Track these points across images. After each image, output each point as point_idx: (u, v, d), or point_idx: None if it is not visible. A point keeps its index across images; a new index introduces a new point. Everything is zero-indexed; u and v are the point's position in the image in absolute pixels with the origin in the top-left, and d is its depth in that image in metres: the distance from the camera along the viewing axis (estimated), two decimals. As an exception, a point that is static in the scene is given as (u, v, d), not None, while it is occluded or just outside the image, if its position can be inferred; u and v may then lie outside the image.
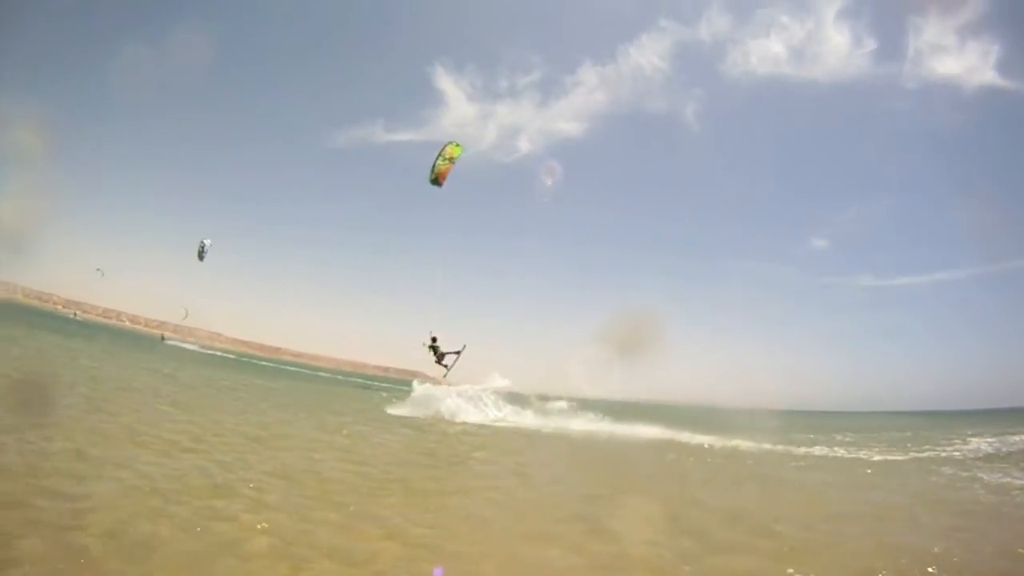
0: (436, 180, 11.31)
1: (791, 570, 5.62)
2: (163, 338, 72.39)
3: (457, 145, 10.85)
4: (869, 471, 14.12)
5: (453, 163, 10.89)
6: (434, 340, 16.06)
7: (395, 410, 20.21)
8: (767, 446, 17.63)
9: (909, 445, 20.45)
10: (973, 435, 23.47)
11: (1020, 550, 6.97)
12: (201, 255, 20.12)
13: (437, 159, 11.11)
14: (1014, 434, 22.48)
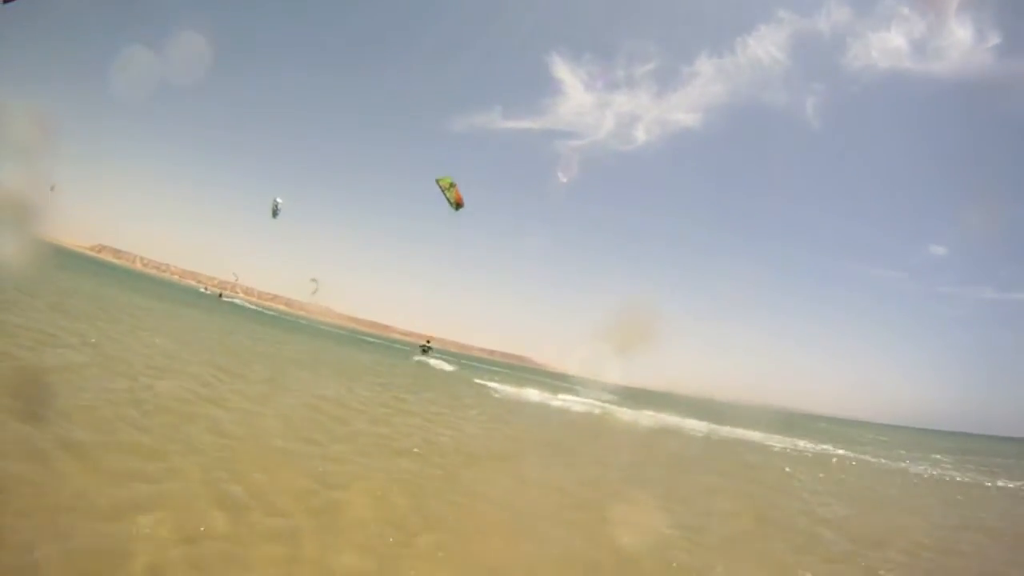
0: (458, 206, 13.65)
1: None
2: (220, 295, 79.09)
3: (446, 177, 13.26)
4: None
5: (455, 187, 13.18)
6: (428, 342, 20.64)
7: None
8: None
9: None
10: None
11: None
12: (275, 213, 20.68)
13: (445, 193, 13.48)
14: None
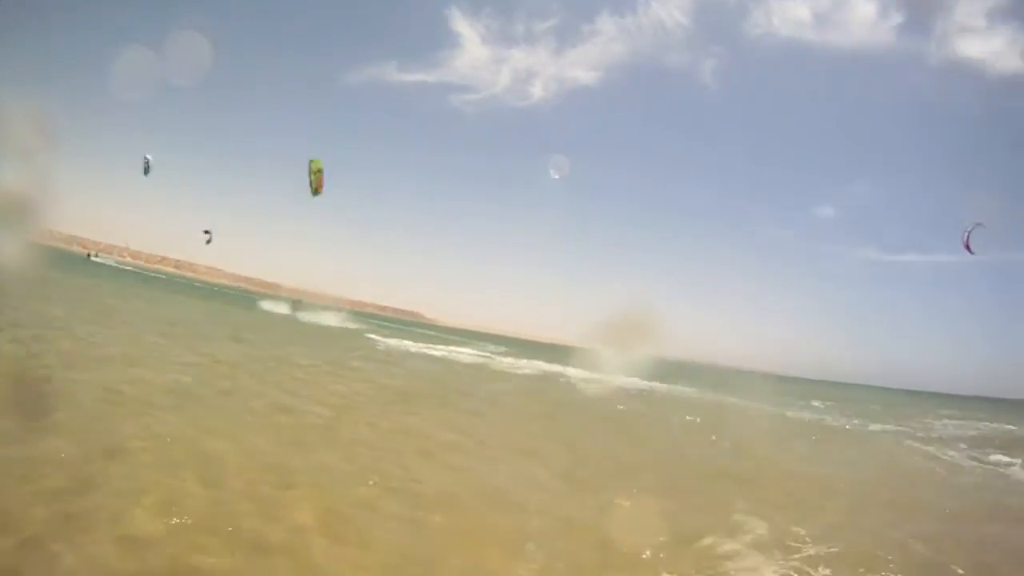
0: (316, 191, 13.76)
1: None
2: (89, 256, 72.44)
3: (317, 160, 13.57)
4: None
5: (322, 172, 13.32)
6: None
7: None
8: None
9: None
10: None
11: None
12: (146, 170, 19.70)
13: (310, 176, 13.50)
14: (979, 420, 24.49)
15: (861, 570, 5.19)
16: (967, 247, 20.23)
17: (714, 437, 12.49)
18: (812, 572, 5.03)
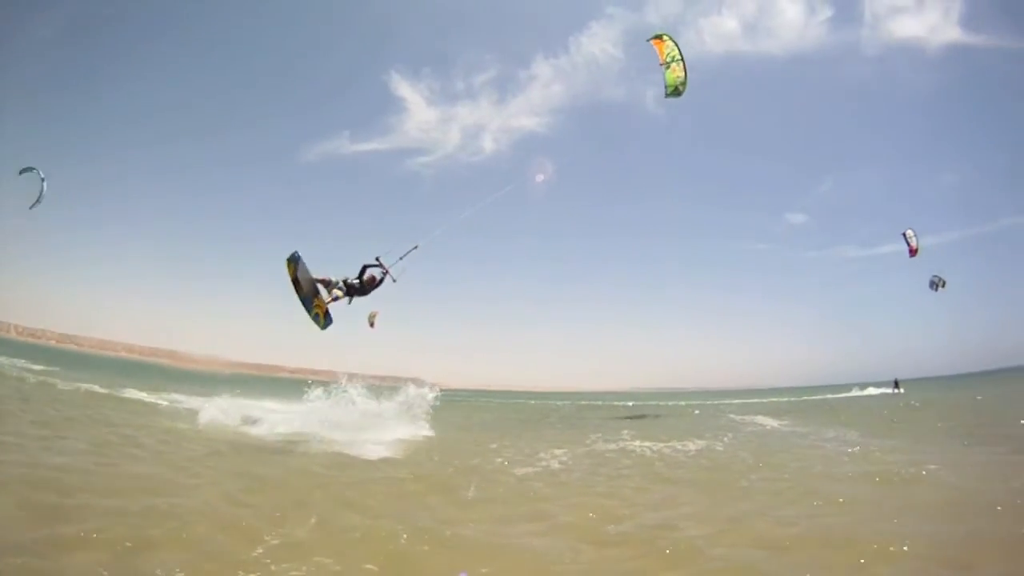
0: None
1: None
2: None
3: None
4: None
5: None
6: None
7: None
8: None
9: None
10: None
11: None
12: (39, 199, 16.96)
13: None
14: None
15: None
16: (912, 252, 19.59)
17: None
18: None
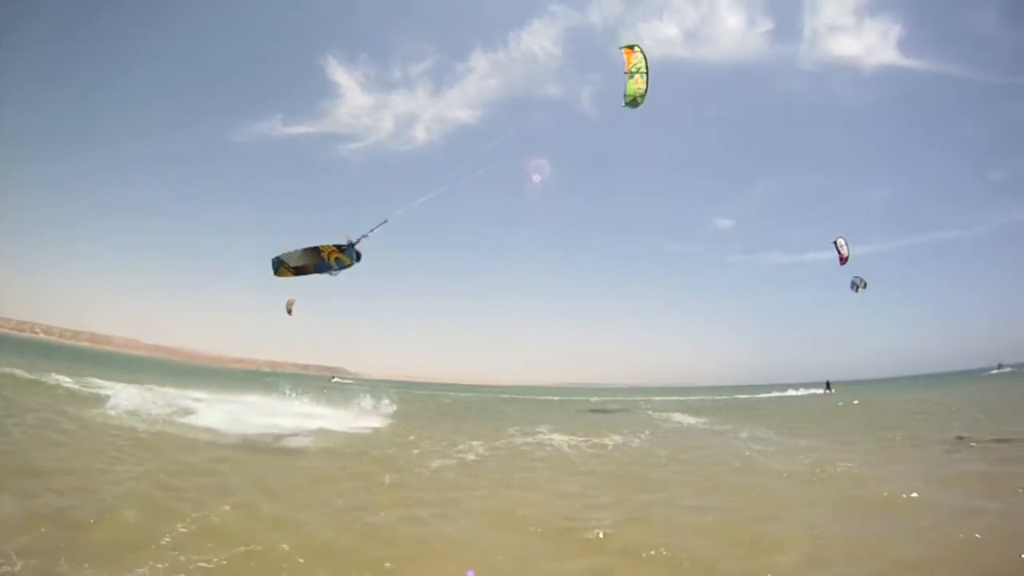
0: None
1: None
2: None
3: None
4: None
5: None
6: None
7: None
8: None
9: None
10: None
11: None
12: None
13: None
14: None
15: None
16: (842, 260, 21.25)
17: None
18: None
